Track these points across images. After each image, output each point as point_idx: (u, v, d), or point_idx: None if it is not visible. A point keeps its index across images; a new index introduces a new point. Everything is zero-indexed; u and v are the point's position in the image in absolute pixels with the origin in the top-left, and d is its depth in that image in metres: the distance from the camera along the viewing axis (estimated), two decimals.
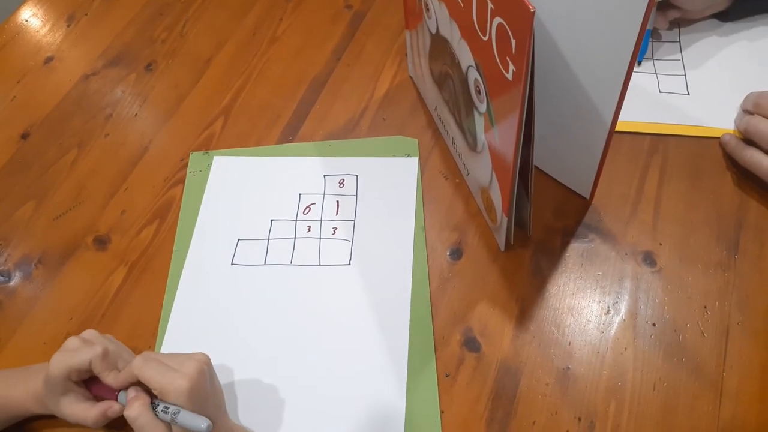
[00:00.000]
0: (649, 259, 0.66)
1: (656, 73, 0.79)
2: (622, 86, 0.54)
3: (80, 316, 0.67)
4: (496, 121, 0.55)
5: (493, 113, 0.56)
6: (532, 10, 0.42)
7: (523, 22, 0.43)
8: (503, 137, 0.55)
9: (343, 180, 0.74)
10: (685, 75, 0.78)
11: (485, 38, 0.51)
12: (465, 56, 0.58)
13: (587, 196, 0.70)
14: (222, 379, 0.60)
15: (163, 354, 0.55)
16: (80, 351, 0.55)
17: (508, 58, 0.48)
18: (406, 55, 0.83)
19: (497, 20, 0.48)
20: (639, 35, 0.50)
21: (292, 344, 0.63)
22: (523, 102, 0.49)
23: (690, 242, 0.66)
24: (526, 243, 0.68)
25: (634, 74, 0.54)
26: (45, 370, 0.55)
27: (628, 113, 0.74)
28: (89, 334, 0.58)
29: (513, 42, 0.46)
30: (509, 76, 0.49)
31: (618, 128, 0.72)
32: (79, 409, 0.55)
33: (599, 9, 0.50)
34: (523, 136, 0.53)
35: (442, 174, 0.74)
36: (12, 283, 0.70)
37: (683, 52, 0.80)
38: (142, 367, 0.52)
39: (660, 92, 0.77)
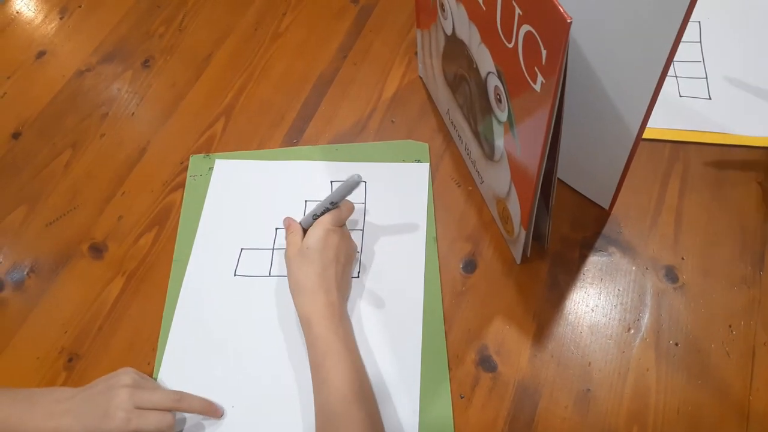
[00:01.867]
0: (670, 274, 0.63)
1: (676, 76, 0.76)
2: (653, 94, 0.51)
3: (75, 329, 0.64)
4: (518, 131, 0.52)
5: (515, 123, 0.52)
6: (569, 21, 0.38)
7: (557, 32, 0.40)
8: (526, 149, 0.52)
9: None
10: (706, 78, 0.75)
11: (510, 45, 0.48)
12: (485, 62, 0.55)
13: (606, 206, 0.67)
14: (226, 397, 0.58)
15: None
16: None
17: (536, 68, 0.45)
18: (416, 54, 0.80)
19: (525, 28, 0.44)
20: (675, 42, 0.47)
21: (298, 361, 0.60)
22: (551, 115, 0.45)
23: (713, 256, 0.64)
24: (543, 255, 0.65)
25: None
26: (57, 397, 0.52)
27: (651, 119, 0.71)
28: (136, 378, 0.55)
29: (544, 52, 0.43)
30: (537, 87, 0.46)
31: (655, 136, 0.70)
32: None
33: (632, 17, 0.47)
34: (548, 149, 0.50)
35: (454, 181, 0.71)
36: (2, 294, 0.66)
37: (704, 53, 0.77)
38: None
39: (680, 97, 0.74)
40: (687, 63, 0.77)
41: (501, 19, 0.48)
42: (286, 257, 0.61)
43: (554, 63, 0.42)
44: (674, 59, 0.75)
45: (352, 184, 0.58)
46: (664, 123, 0.72)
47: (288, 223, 0.64)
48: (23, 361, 0.62)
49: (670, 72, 0.76)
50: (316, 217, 0.61)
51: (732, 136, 0.71)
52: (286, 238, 0.62)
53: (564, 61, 0.41)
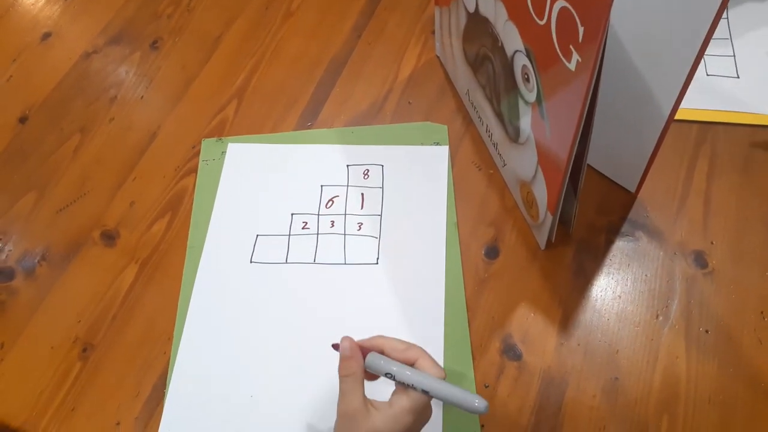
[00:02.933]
0: (700, 259, 0.61)
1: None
2: (688, 74, 0.49)
3: (89, 318, 0.62)
4: (548, 112, 0.50)
5: (545, 104, 0.50)
6: None
7: (598, 8, 0.38)
8: (557, 131, 0.50)
9: (368, 170, 0.69)
10: (734, 55, 0.73)
11: (542, 22, 0.46)
12: (512, 40, 0.53)
13: (633, 189, 0.65)
14: (244, 387, 0.57)
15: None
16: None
17: (571, 46, 0.42)
18: (433, 33, 0.77)
19: (560, 4, 0.42)
20: (715, 18, 0.44)
21: (316, 350, 0.58)
22: (586, 96, 0.43)
23: (743, 241, 0.62)
24: (568, 241, 0.63)
25: None
26: None
27: (689, 101, 0.68)
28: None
29: (581, 29, 0.40)
30: (572, 66, 0.43)
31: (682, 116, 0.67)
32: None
33: None
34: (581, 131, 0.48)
35: (475, 164, 0.69)
36: (14, 283, 0.65)
37: (731, 29, 0.75)
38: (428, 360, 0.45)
39: (707, 75, 0.72)
40: (714, 41, 0.74)
41: None
42: (341, 412, 0.45)
43: (593, 40, 0.40)
44: None
45: (468, 406, 0.43)
46: (690, 103, 0.69)
47: (351, 352, 0.46)
48: (38, 350, 0.61)
49: None
50: (390, 377, 0.45)
51: (762, 116, 0.68)
52: (342, 378, 0.45)
53: (604, 38, 0.39)
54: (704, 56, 0.72)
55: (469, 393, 0.43)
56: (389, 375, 0.44)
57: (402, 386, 0.44)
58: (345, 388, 0.45)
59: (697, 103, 0.70)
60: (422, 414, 0.45)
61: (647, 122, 0.56)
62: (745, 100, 0.69)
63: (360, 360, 0.46)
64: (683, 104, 0.68)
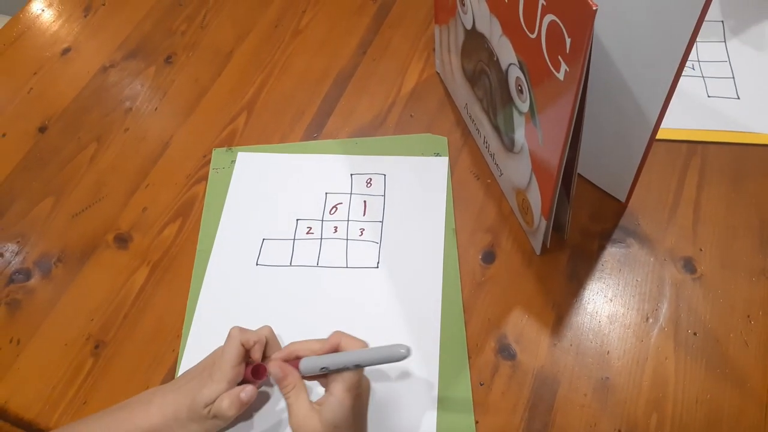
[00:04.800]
0: (689, 265, 0.64)
1: (703, 77, 0.75)
2: (671, 86, 0.52)
3: (101, 317, 0.65)
4: (540, 121, 0.53)
5: (537, 113, 0.53)
6: (594, 8, 0.39)
7: (582, 20, 0.41)
8: (549, 138, 0.52)
9: (371, 179, 0.72)
10: (733, 78, 0.75)
11: (533, 35, 0.49)
12: (506, 53, 0.56)
13: (623, 199, 0.67)
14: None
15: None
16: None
17: (560, 57, 0.46)
18: (434, 50, 0.81)
19: (549, 17, 0.45)
20: (693, 33, 0.47)
21: None
22: (575, 104, 0.46)
23: (732, 248, 0.64)
24: (562, 247, 0.65)
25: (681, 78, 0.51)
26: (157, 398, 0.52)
27: (676, 119, 0.71)
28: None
29: (568, 41, 0.44)
30: (560, 76, 0.46)
31: (664, 136, 0.70)
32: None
33: (652, 5, 0.48)
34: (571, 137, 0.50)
35: (473, 174, 0.72)
36: (31, 282, 0.68)
37: (729, 53, 0.77)
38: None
39: (708, 97, 0.74)
40: (712, 63, 0.77)
41: (524, 9, 0.49)
42: (293, 426, 0.48)
43: (579, 50, 0.43)
44: (700, 59, 0.77)
45: (395, 356, 0.47)
46: (690, 123, 0.72)
47: (282, 372, 0.50)
48: (52, 347, 0.64)
49: (697, 72, 0.76)
50: (325, 370, 0.49)
51: (759, 135, 0.70)
52: (285, 395, 0.49)
53: (589, 48, 0.42)
54: (704, 78, 0.75)
55: (392, 346, 0.47)
56: (324, 369, 0.49)
57: (333, 374, 0.48)
58: (291, 401, 0.49)
59: (695, 124, 0.71)
60: (360, 388, 0.49)
61: (634, 134, 0.58)
62: (744, 120, 0.71)
63: (295, 372, 0.50)
64: (681, 124, 0.72)
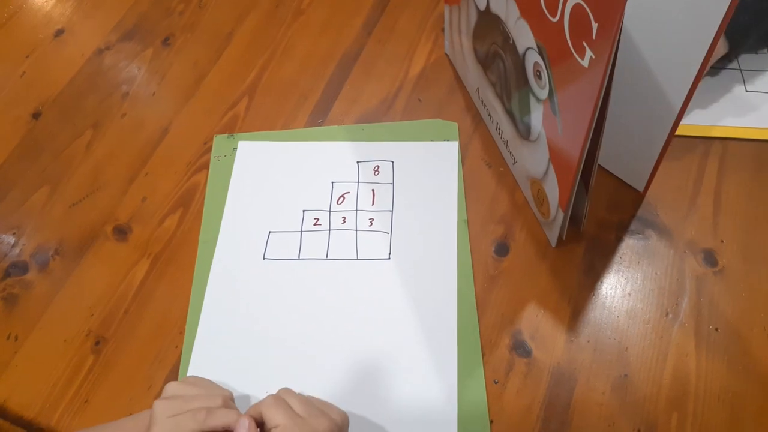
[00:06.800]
0: (710, 257, 0.61)
1: (740, 69, 0.71)
2: (697, 73, 0.49)
3: (102, 312, 0.63)
4: (560, 110, 0.50)
5: (557, 101, 0.50)
6: None
7: (612, 5, 0.38)
8: (569, 128, 0.50)
9: (378, 167, 0.69)
10: None
11: (554, 19, 0.46)
12: (523, 37, 0.53)
13: (641, 188, 0.65)
14: (258, 383, 0.57)
15: (297, 396, 0.50)
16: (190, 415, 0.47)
17: (585, 42, 0.43)
18: (443, 31, 0.78)
19: (574, 1, 0.42)
20: (725, 18, 0.44)
21: (330, 344, 0.59)
22: (600, 92, 0.44)
23: (754, 240, 0.62)
24: (578, 239, 0.63)
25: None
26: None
27: (713, 116, 0.68)
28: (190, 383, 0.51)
29: (594, 26, 0.41)
30: (585, 62, 0.44)
31: (691, 132, 0.67)
32: None
33: None
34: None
35: (485, 162, 0.69)
36: (28, 276, 0.66)
37: None
38: (270, 406, 0.47)
39: (746, 92, 0.70)
40: (752, 56, 0.72)
41: None
42: None
43: (607, 37, 0.40)
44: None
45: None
46: (729, 121, 0.68)
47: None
48: (51, 343, 0.61)
49: (734, 65, 0.72)
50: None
51: None
52: None
53: (618, 34, 0.39)
54: (742, 71, 0.71)
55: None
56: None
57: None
58: None
59: (732, 121, 0.68)
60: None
61: (655, 123, 0.56)
62: None
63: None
64: (715, 121, 0.68)
